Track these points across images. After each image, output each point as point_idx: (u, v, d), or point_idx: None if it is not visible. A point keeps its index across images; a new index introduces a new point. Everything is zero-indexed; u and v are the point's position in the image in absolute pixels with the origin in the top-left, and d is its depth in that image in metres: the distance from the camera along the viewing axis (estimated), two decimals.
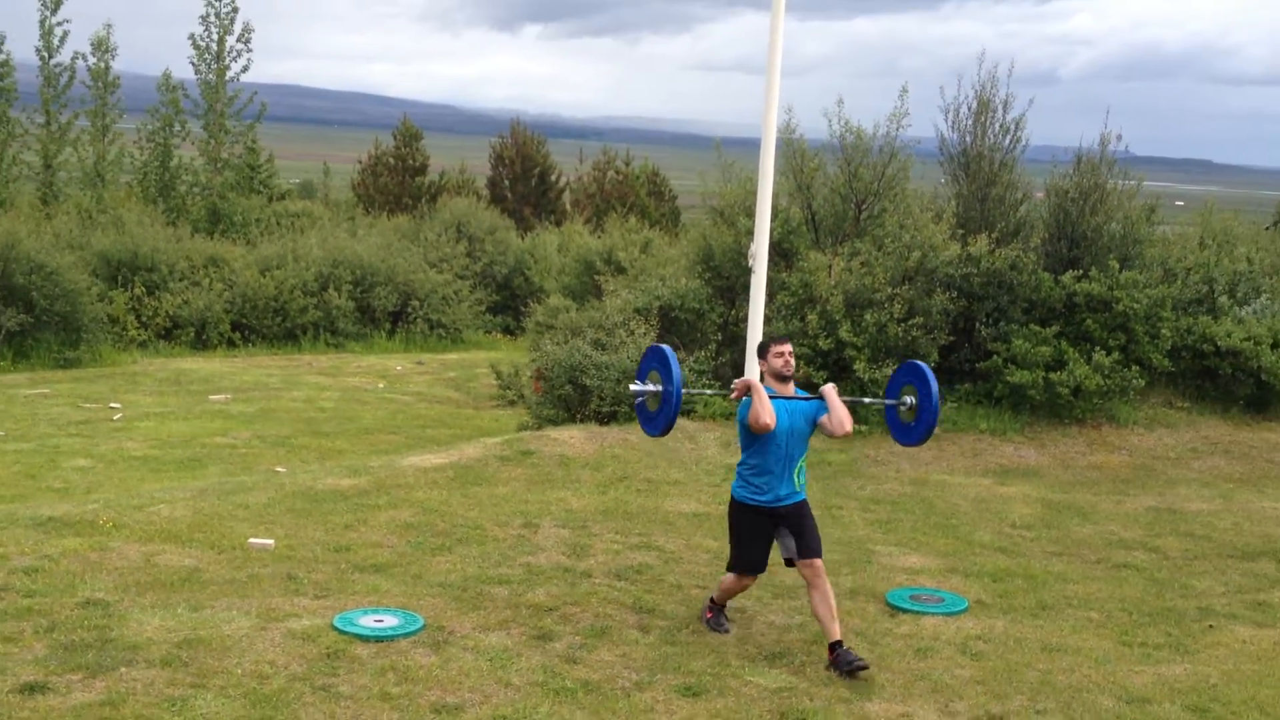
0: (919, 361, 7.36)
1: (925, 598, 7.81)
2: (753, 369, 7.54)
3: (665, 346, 6.90)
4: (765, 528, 6.88)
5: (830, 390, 6.91)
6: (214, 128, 32.51)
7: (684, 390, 7.01)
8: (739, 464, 7.00)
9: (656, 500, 10.07)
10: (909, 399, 7.29)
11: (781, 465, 6.80)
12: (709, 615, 7.16)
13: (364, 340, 24.72)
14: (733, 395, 6.93)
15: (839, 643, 6.57)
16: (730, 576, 7.07)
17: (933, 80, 15.49)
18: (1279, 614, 7.87)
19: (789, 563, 6.90)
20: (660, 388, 6.87)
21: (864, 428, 12.28)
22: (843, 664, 6.46)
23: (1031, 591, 8.14)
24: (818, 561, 6.74)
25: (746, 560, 6.94)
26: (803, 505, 6.93)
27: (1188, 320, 14.10)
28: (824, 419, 6.86)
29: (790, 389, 6.94)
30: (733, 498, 7.01)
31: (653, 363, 6.99)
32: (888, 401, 7.46)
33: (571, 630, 6.91)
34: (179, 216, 29.80)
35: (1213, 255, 15.39)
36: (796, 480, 6.87)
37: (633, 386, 7.03)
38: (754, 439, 6.81)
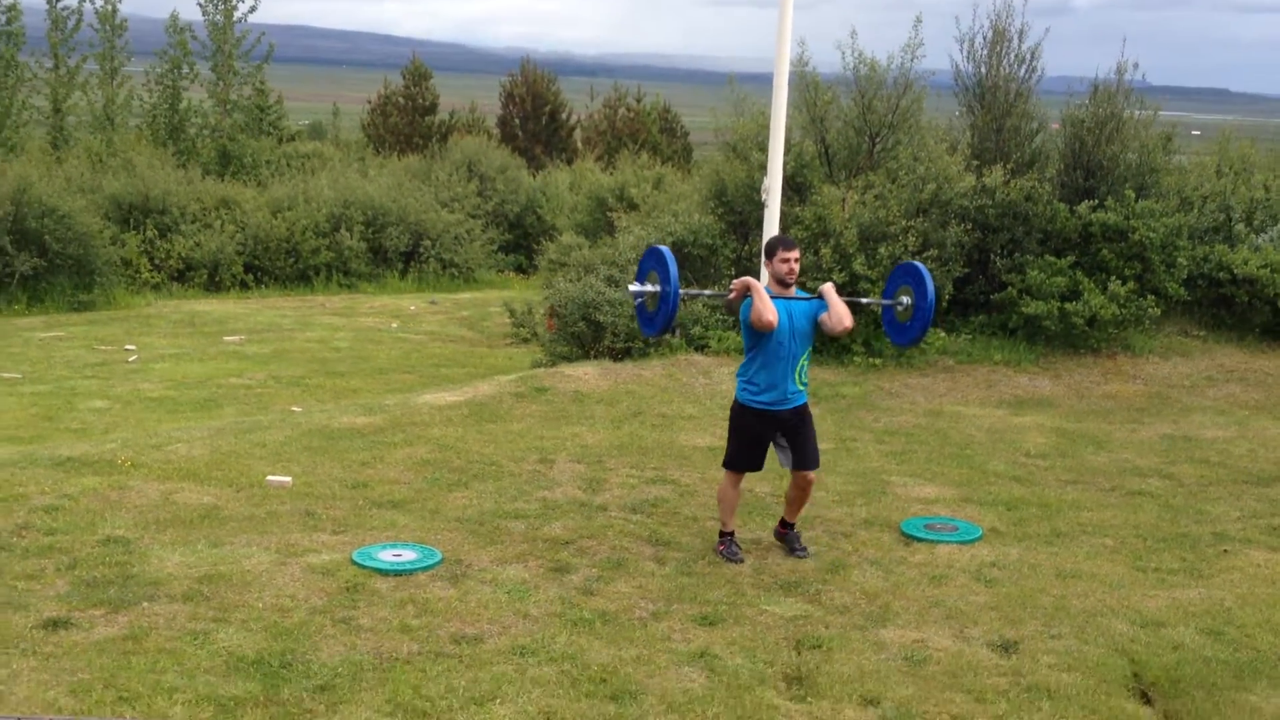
0: (916, 262, 7.39)
1: (940, 526, 7.84)
2: None
3: (663, 247, 6.98)
4: (765, 433, 7.07)
5: (829, 289, 7.05)
6: (222, 69, 32.30)
7: (682, 290, 7.16)
8: (741, 366, 7.15)
9: (671, 435, 10.09)
10: (905, 299, 7.40)
11: (785, 364, 6.94)
12: (721, 547, 7.24)
13: (377, 280, 24.71)
14: (731, 295, 7.04)
15: (792, 525, 7.34)
16: (725, 483, 7.21)
17: (948, 11, 15.30)
18: None
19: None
20: (658, 288, 6.96)
21: (878, 360, 12.28)
22: (789, 543, 7.28)
23: (1046, 519, 8.17)
24: (811, 474, 7.16)
25: (742, 459, 7.15)
26: (803, 410, 7.12)
27: (1204, 249, 14.01)
28: (824, 316, 7.00)
29: (791, 292, 7.05)
30: (735, 400, 7.17)
31: (651, 263, 7.09)
32: (885, 301, 7.59)
33: (588, 563, 6.96)
34: (189, 159, 29.67)
35: (1229, 183, 15.24)
36: (799, 379, 7.02)
37: (631, 287, 7.17)
38: (757, 339, 6.93)
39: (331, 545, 7.00)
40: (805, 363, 7.07)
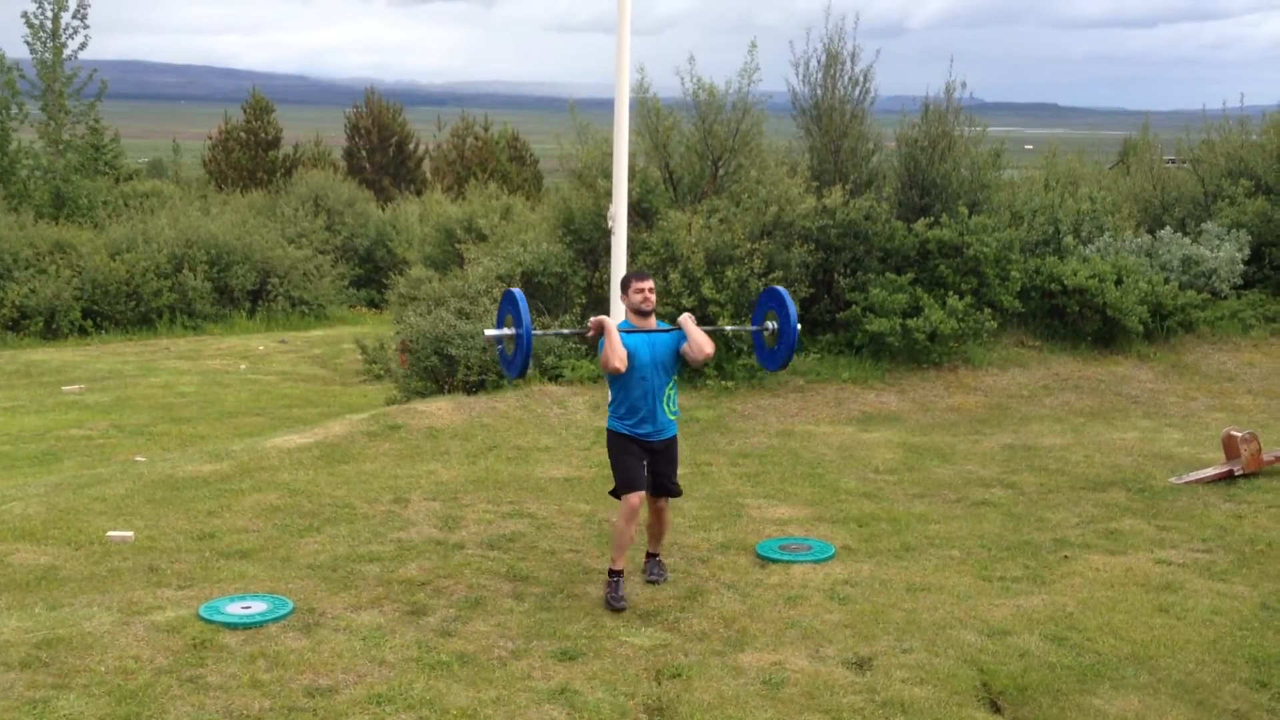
0: (778, 287, 7.51)
1: (794, 547, 7.96)
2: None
3: (516, 290, 7.00)
4: (638, 452, 7.03)
5: (687, 319, 7.07)
6: (53, 109, 31.32)
7: (537, 332, 7.30)
8: (609, 400, 7.13)
9: (527, 467, 10.06)
10: (771, 324, 7.47)
11: (649, 398, 6.97)
12: (608, 589, 6.99)
13: (223, 321, 24.18)
14: (589, 334, 7.05)
15: (656, 554, 7.41)
16: (621, 518, 6.95)
17: (784, 35, 15.63)
18: (1129, 541, 8.20)
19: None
20: (514, 330, 6.97)
21: (730, 384, 12.43)
22: (648, 570, 7.36)
23: (895, 534, 8.35)
24: (667, 503, 7.29)
25: (629, 478, 6.97)
26: (672, 443, 7.16)
27: (1035, 261, 14.53)
28: (685, 347, 7.01)
29: (651, 323, 7.08)
30: (608, 428, 7.17)
31: (506, 307, 7.10)
32: (752, 328, 7.67)
33: (445, 603, 6.89)
34: (21, 202, 28.69)
35: (1057, 196, 15.85)
36: (667, 409, 7.05)
37: (488, 332, 7.18)
38: (617, 375, 6.93)
39: (177, 601, 6.80)
40: (673, 392, 7.09)
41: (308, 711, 5.50)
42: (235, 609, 6.62)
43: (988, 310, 13.52)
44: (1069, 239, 15.03)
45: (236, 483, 9.33)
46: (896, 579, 7.40)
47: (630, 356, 6.86)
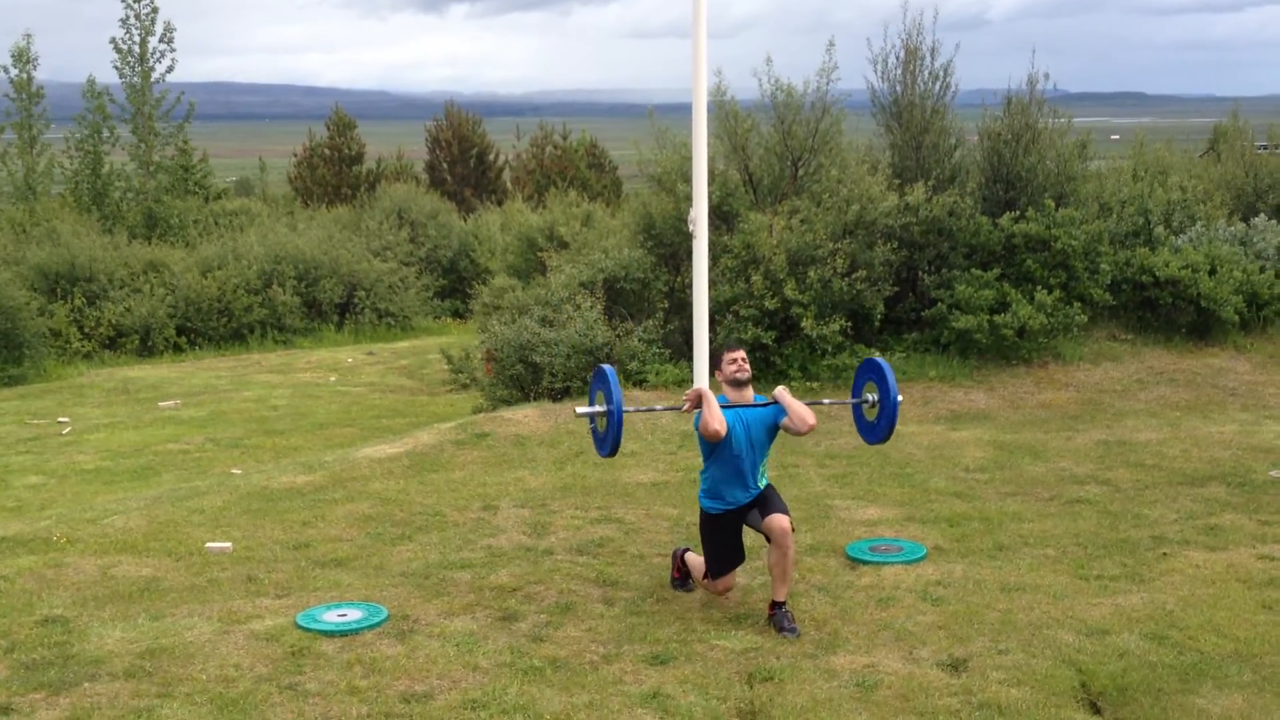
0: (879, 359, 7.34)
1: (884, 548, 7.89)
2: (702, 335, 7.55)
3: (608, 367, 6.84)
4: (735, 526, 6.85)
5: (783, 392, 6.86)
6: (143, 131, 32.07)
7: (629, 409, 6.97)
8: (701, 473, 6.95)
9: (614, 473, 10.09)
10: (870, 396, 7.22)
11: (742, 475, 6.76)
12: (675, 575, 7.21)
13: (312, 335, 24.56)
14: (685, 408, 6.89)
15: (781, 604, 6.68)
16: (709, 585, 6.97)
17: (861, 32, 15.53)
18: (1230, 537, 8.01)
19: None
20: (605, 407, 6.81)
21: (815, 385, 12.36)
22: (777, 624, 6.59)
23: (988, 533, 8.24)
24: (783, 519, 6.64)
25: (720, 564, 6.86)
26: (766, 489, 6.87)
27: (1126, 253, 14.27)
28: (785, 421, 6.79)
29: (747, 395, 6.88)
30: (701, 510, 6.99)
31: (598, 384, 6.97)
32: (851, 400, 7.40)
33: (536, 609, 6.93)
34: (115, 224, 29.42)
35: (1146, 186, 15.56)
36: (758, 481, 6.84)
37: (579, 410, 6.97)
38: (712, 448, 6.76)
39: (275, 610, 6.92)
40: (764, 469, 6.90)
41: (404, 717, 5.56)
42: (332, 617, 6.72)
43: (1077, 304, 13.29)
44: (1160, 229, 14.74)
45: (329, 493, 9.47)
46: (990, 579, 7.29)
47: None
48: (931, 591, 7.09)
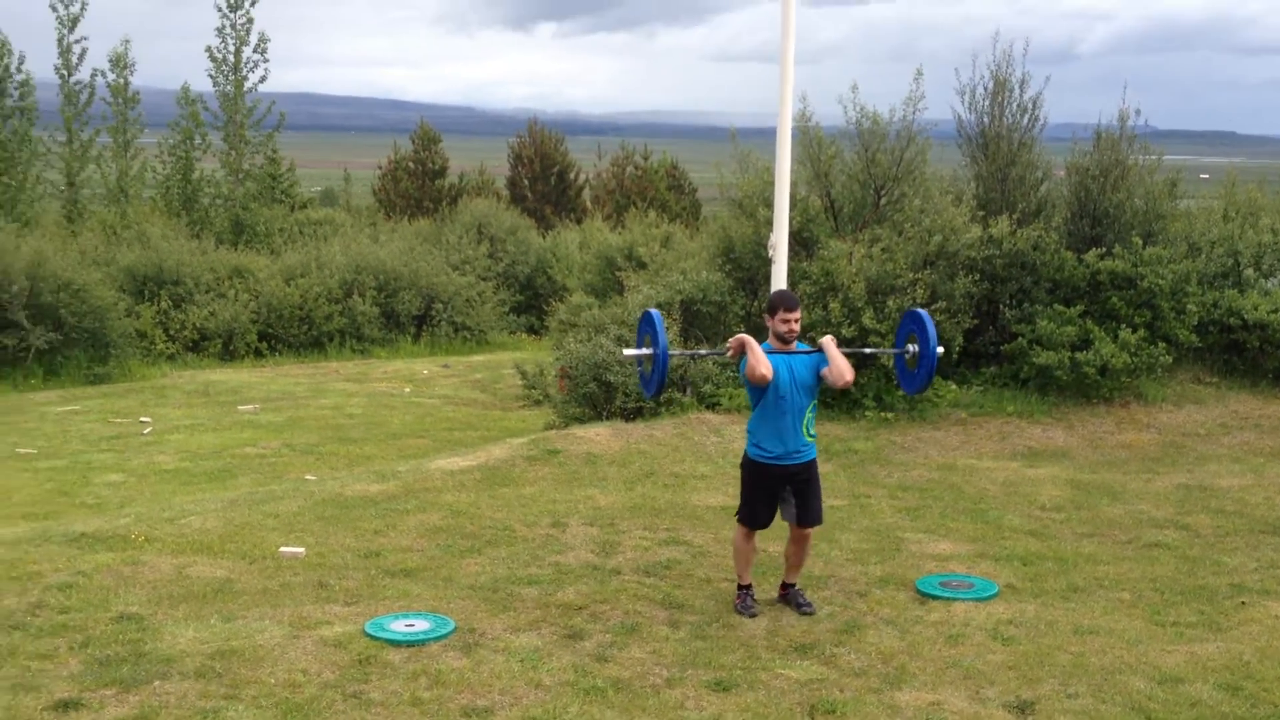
0: (920, 310, 7.49)
1: (955, 584, 7.79)
2: None
3: (654, 310, 7.17)
4: (774, 487, 7.11)
5: (829, 342, 7.07)
6: (234, 139, 32.68)
7: (674, 352, 7.53)
8: (749, 423, 7.21)
9: (683, 495, 10.07)
10: (912, 347, 7.50)
11: (790, 417, 7.00)
12: (737, 601, 7.29)
13: (389, 345, 24.82)
14: (729, 354, 7.15)
15: (793, 584, 7.34)
16: (739, 536, 7.27)
17: (950, 62, 15.41)
18: None
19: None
20: (652, 350, 7.12)
21: (890, 415, 12.26)
22: (794, 602, 7.23)
23: (1062, 574, 8.11)
24: (811, 531, 7.24)
25: (752, 515, 7.19)
26: (811, 466, 7.17)
27: (1214, 294, 13.99)
28: (825, 371, 7.02)
29: (793, 347, 7.13)
30: (745, 455, 7.24)
31: (644, 328, 7.28)
32: (891, 350, 7.75)
33: (601, 628, 6.93)
34: (203, 229, 29.96)
35: (1237, 227, 15.25)
36: (806, 432, 7.07)
37: (626, 351, 7.40)
38: (759, 394, 7.00)
39: (344, 617, 6.99)
40: (812, 415, 7.11)
41: None
42: (399, 626, 6.77)
43: (1162, 344, 13.05)
44: (1249, 271, 14.44)
45: (401, 503, 9.55)
46: (1063, 620, 7.17)
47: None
48: (1002, 630, 6.99)
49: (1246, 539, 9.01)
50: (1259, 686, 6.22)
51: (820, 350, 7.08)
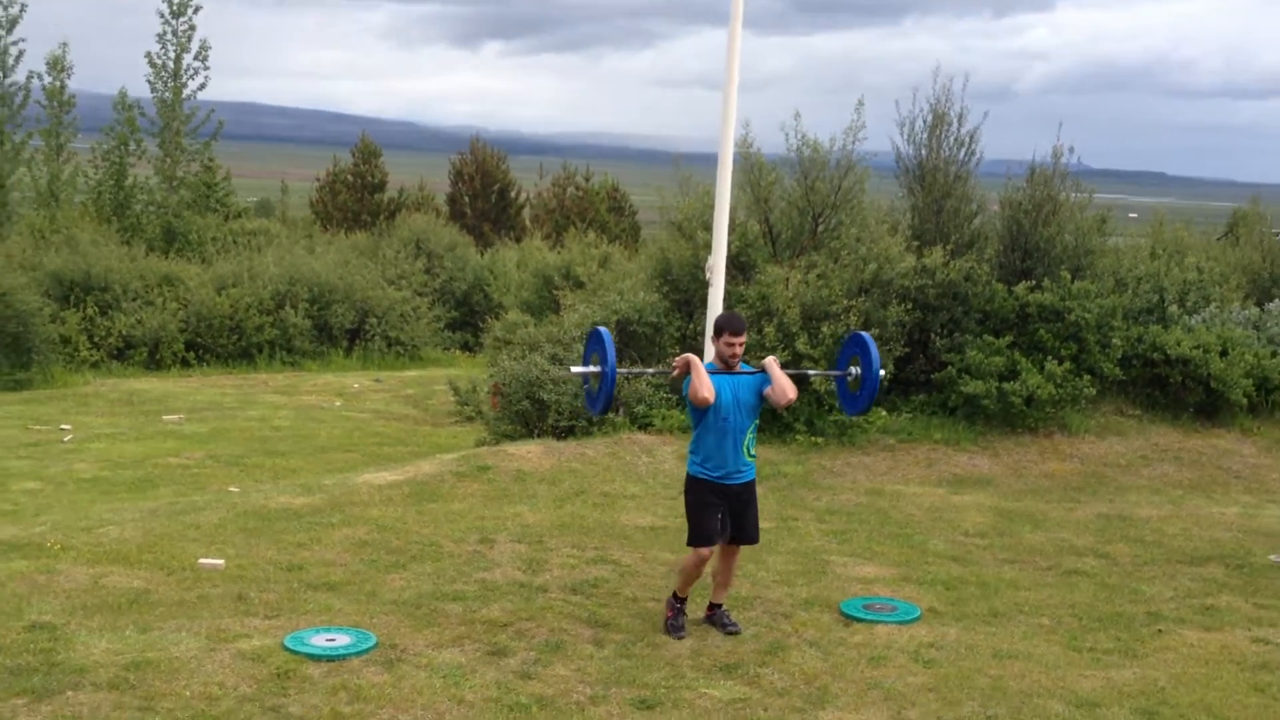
0: (864, 334, 7.57)
1: (879, 607, 7.84)
2: None
3: (603, 329, 7.17)
4: (716, 502, 7.10)
5: (771, 362, 7.13)
6: (170, 146, 32.25)
7: (622, 370, 7.51)
8: (690, 442, 7.22)
9: (613, 514, 10.06)
10: (854, 369, 7.57)
11: (731, 438, 7.03)
12: (669, 615, 7.27)
13: (321, 358, 24.59)
14: (674, 373, 7.17)
15: (720, 605, 7.38)
16: (691, 557, 7.17)
17: (892, 95, 15.59)
18: (1226, 618, 7.95)
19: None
20: (599, 368, 7.12)
21: (820, 439, 12.34)
22: (720, 622, 7.28)
23: (984, 599, 8.19)
24: (740, 550, 7.33)
25: (703, 533, 7.11)
26: (750, 487, 7.21)
27: (1138, 329, 14.24)
28: (768, 390, 7.07)
29: (736, 367, 7.17)
30: (687, 475, 7.24)
31: (592, 345, 7.28)
32: (834, 372, 7.80)
33: (526, 646, 6.89)
34: (133, 236, 29.53)
35: (1163, 265, 15.55)
36: (747, 453, 7.11)
37: (574, 369, 7.41)
38: (700, 415, 7.03)
39: (263, 630, 6.89)
40: (752, 436, 7.15)
41: None
42: (320, 641, 6.69)
43: (1087, 377, 13.26)
44: (1174, 308, 14.71)
45: (326, 516, 9.45)
46: (983, 644, 7.24)
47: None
48: (923, 653, 7.04)
49: (1164, 568, 9.16)
50: (1174, 712, 6.32)
51: (763, 371, 7.13)
